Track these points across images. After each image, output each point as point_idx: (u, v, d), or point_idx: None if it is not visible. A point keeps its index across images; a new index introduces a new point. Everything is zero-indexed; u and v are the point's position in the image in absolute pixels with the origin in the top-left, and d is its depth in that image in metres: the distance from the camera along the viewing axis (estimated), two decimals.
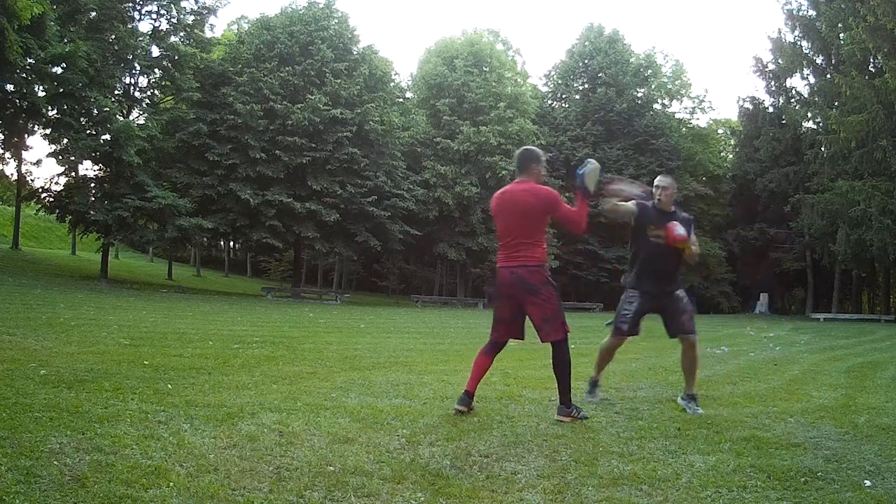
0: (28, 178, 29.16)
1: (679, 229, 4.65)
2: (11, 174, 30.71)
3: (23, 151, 28.47)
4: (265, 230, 27.17)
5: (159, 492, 2.45)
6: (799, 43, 31.47)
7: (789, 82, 34.01)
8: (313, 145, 27.34)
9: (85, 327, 8.46)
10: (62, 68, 22.41)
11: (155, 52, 26.31)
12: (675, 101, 44.18)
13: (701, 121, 44.85)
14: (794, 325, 22.56)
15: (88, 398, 3.95)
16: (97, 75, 23.20)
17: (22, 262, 26.84)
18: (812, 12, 30.53)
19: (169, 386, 4.60)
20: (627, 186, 5.02)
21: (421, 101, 36.65)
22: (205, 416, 3.72)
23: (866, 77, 25.28)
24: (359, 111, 27.97)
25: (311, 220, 27.55)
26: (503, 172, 31.09)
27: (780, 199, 33.25)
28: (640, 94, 40.73)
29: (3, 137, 25.65)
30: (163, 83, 26.97)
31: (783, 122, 34.08)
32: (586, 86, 40.97)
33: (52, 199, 25.29)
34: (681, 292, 4.91)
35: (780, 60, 32.45)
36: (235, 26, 41.73)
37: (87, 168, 26.62)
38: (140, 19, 26.26)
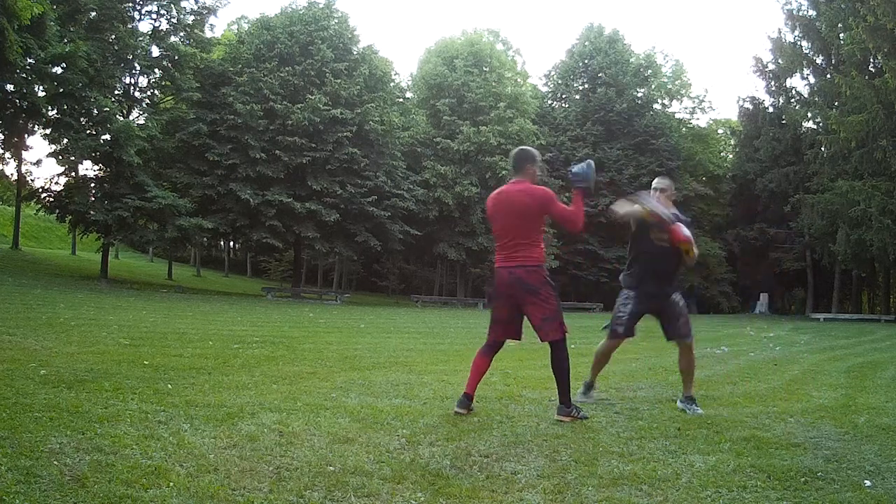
0: (28, 178, 29.23)
1: (685, 230, 4.67)
2: (11, 174, 30.74)
3: (23, 151, 28.53)
4: (265, 230, 27.18)
5: (159, 492, 2.45)
6: (799, 43, 31.47)
7: (789, 82, 34.07)
8: (313, 145, 27.34)
9: (85, 327, 8.46)
10: (62, 68, 22.42)
11: (155, 52, 26.33)
12: (675, 101, 44.21)
13: (701, 121, 44.92)
14: (794, 325, 22.57)
15: (88, 398, 3.95)
16: (97, 75, 23.21)
17: (22, 262, 26.84)
18: (812, 12, 30.54)
19: (169, 386, 4.60)
20: (654, 204, 4.82)
21: (421, 101, 36.66)
22: (205, 416, 3.71)
23: (866, 77, 25.28)
24: (359, 111, 27.98)
25: (311, 220, 27.56)
26: (503, 172, 31.08)
27: (780, 199, 33.26)
28: (640, 94, 40.73)
29: (3, 137, 25.66)
30: (163, 83, 26.99)
31: (783, 122, 34.09)
32: (586, 86, 40.98)
33: (52, 199, 25.30)
34: (677, 296, 4.91)
35: (780, 60, 32.45)
36: (235, 26, 41.74)
37: (87, 168, 26.69)
38: (140, 19, 26.31)
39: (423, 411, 4.28)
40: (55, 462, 2.67)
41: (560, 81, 42.69)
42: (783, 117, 33.98)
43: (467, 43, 36.74)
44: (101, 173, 25.96)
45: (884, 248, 24.82)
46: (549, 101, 42.80)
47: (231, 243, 50.75)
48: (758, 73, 34.79)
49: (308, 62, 28.13)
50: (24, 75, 21.40)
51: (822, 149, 28.56)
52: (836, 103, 27.54)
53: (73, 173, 26.44)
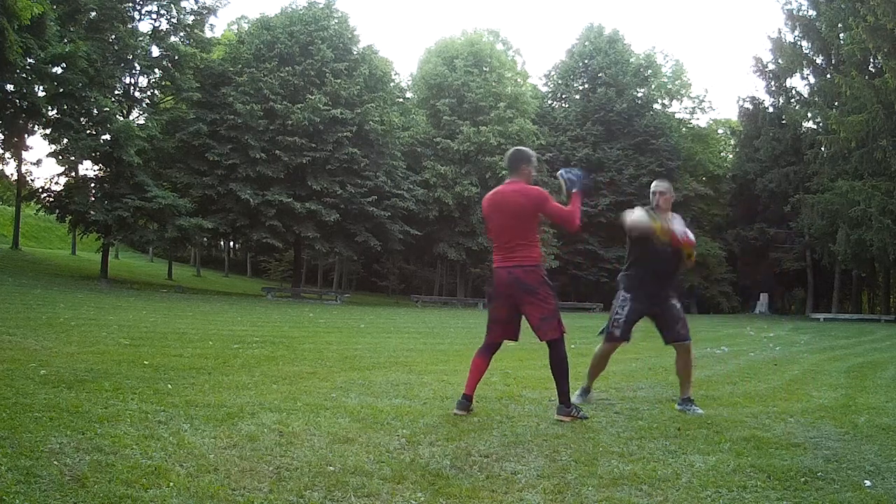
0: (28, 178, 29.21)
1: (691, 236, 4.69)
2: (11, 174, 30.73)
3: (23, 151, 28.52)
4: (265, 230, 27.18)
5: (159, 492, 2.45)
6: (799, 43, 31.47)
7: (789, 82, 34.07)
8: (313, 145, 27.34)
9: (85, 327, 8.46)
10: (62, 68, 22.42)
11: (155, 52, 26.34)
12: (675, 101, 44.21)
13: (701, 121, 44.92)
14: (794, 325, 22.56)
15: (88, 398, 3.95)
16: (97, 75, 23.21)
17: (22, 262, 26.84)
18: (812, 12, 30.54)
19: (169, 386, 4.60)
20: (671, 224, 4.78)
21: (421, 101, 36.66)
22: (205, 416, 3.72)
23: (866, 77, 25.28)
24: (359, 111, 27.98)
25: (311, 220, 27.56)
26: (503, 172, 30.92)
27: (780, 199, 33.26)
28: (640, 94, 40.75)
29: (3, 137, 25.66)
30: (163, 83, 26.99)
31: (783, 122, 34.10)
32: (586, 86, 40.99)
33: (52, 199, 25.30)
34: (674, 300, 4.91)
35: (780, 60, 32.45)
36: (235, 26, 41.74)
37: (87, 168, 26.71)
38: (140, 19, 26.33)
39: (423, 411, 4.28)
40: (55, 462, 2.67)
41: (560, 81, 42.70)
42: (783, 117, 33.98)
43: (467, 43, 36.75)
44: (101, 173, 25.97)
45: (884, 248, 24.82)
46: (549, 101, 42.82)
47: (231, 243, 50.77)
48: (758, 73, 34.82)
49: (308, 62, 28.13)
50: (24, 75, 21.40)
51: (822, 149, 28.56)
52: (836, 103, 27.55)
53: (73, 173, 26.45)
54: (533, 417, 4.28)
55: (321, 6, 30.21)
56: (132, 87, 26.76)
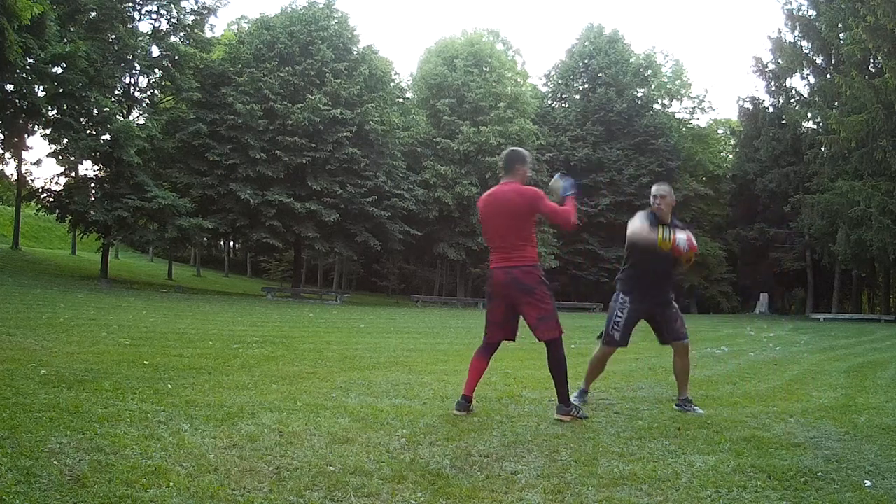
0: (28, 178, 29.19)
1: (693, 241, 4.69)
2: (11, 174, 30.72)
3: (23, 151, 28.50)
4: (265, 230, 27.18)
5: (159, 492, 2.45)
6: (799, 43, 31.46)
7: (789, 82, 34.07)
8: (313, 145, 27.35)
9: (85, 327, 8.46)
10: (62, 68, 22.43)
11: (155, 52, 26.35)
12: (675, 101, 44.23)
13: (701, 121, 44.94)
14: (794, 325, 22.56)
15: (88, 398, 3.95)
16: (97, 75, 23.22)
17: (22, 262, 26.84)
18: (812, 12, 30.53)
19: (169, 386, 4.60)
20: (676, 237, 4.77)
21: (421, 101, 36.67)
22: (205, 416, 3.72)
23: (866, 77, 25.27)
24: (359, 111, 27.98)
25: (311, 220, 27.56)
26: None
27: (780, 199, 33.26)
28: (640, 94, 40.75)
29: (3, 137, 25.66)
30: (163, 83, 27.00)
31: (783, 122, 34.09)
32: (586, 86, 40.99)
33: (52, 199, 25.31)
34: (672, 300, 4.91)
35: (780, 60, 32.44)
36: (235, 26, 41.76)
37: (87, 168, 26.72)
38: (140, 19, 26.34)
39: (423, 411, 4.28)
40: (55, 462, 2.67)
41: (560, 81, 42.70)
42: (783, 117, 33.97)
43: (467, 43, 36.75)
44: (101, 173, 25.97)
45: (884, 248, 24.82)
46: (549, 101, 42.82)
47: (231, 243, 50.77)
48: (758, 73, 34.81)
49: (308, 62, 28.13)
50: (24, 75, 21.41)
51: (822, 149, 28.55)
52: (836, 103, 27.54)
53: (73, 173, 26.46)
54: (533, 417, 4.28)
55: (321, 6, 30.22)
56: (132, 87, 26.77)
